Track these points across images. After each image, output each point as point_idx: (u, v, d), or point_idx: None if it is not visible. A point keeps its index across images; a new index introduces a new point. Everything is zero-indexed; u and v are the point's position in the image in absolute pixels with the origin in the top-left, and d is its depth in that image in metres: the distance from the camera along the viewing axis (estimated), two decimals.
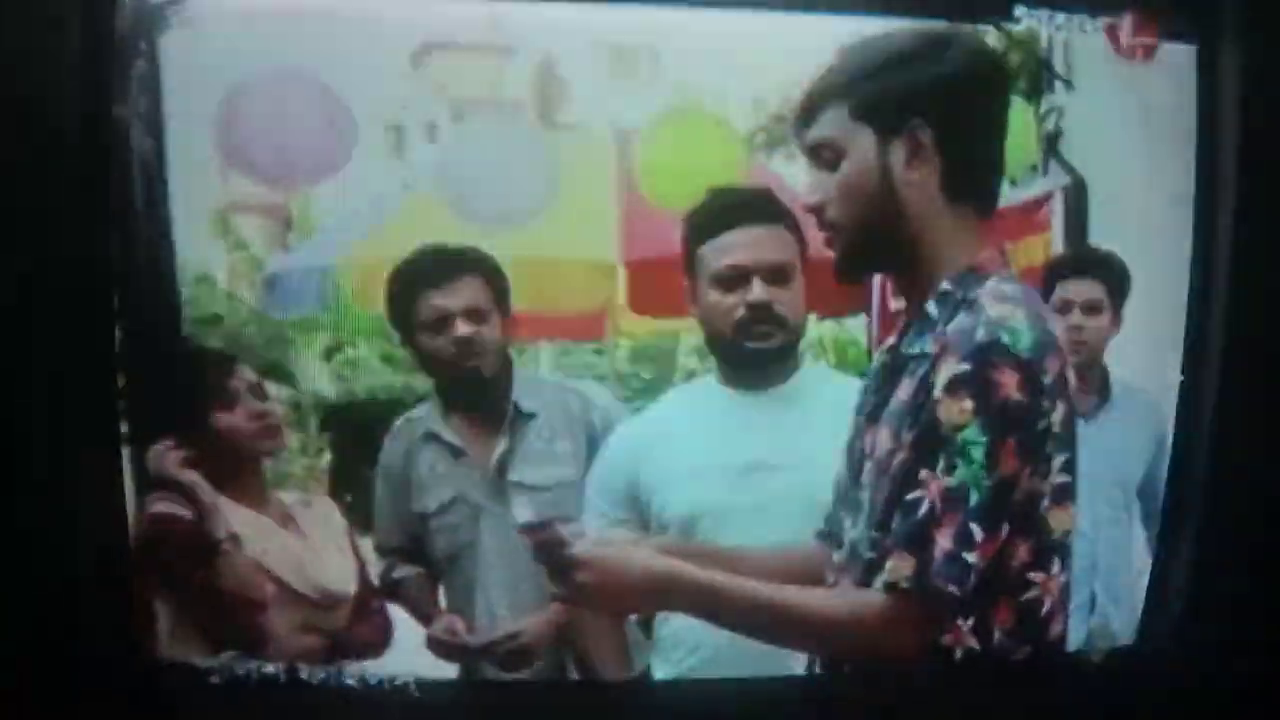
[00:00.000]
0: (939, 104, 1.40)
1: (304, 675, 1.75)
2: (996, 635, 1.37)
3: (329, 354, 2.43)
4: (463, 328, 1.91)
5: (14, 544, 1.62)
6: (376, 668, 1.77)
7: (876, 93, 1.41)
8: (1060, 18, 1.76)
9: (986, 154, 1.44)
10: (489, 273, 1.93)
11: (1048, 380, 1.32)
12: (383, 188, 2.03)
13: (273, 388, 2.02)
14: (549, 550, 1.39)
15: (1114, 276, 2.00)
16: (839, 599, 1.40)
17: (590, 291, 2.40)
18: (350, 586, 1.91)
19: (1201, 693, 1.80)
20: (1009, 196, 2.27)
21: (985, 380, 1.30)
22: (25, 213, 1.61)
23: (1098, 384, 2.08)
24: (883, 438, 1.41)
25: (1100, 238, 2.08)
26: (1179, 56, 1.79)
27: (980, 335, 1.32)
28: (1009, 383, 1.30)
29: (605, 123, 2.13)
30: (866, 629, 1.34)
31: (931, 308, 1.40)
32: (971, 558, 1.30)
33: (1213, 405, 1.80)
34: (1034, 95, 1.99)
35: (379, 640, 1.93)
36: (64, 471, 1.64)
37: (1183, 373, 1.81)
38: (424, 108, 2.01)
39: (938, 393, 1.32)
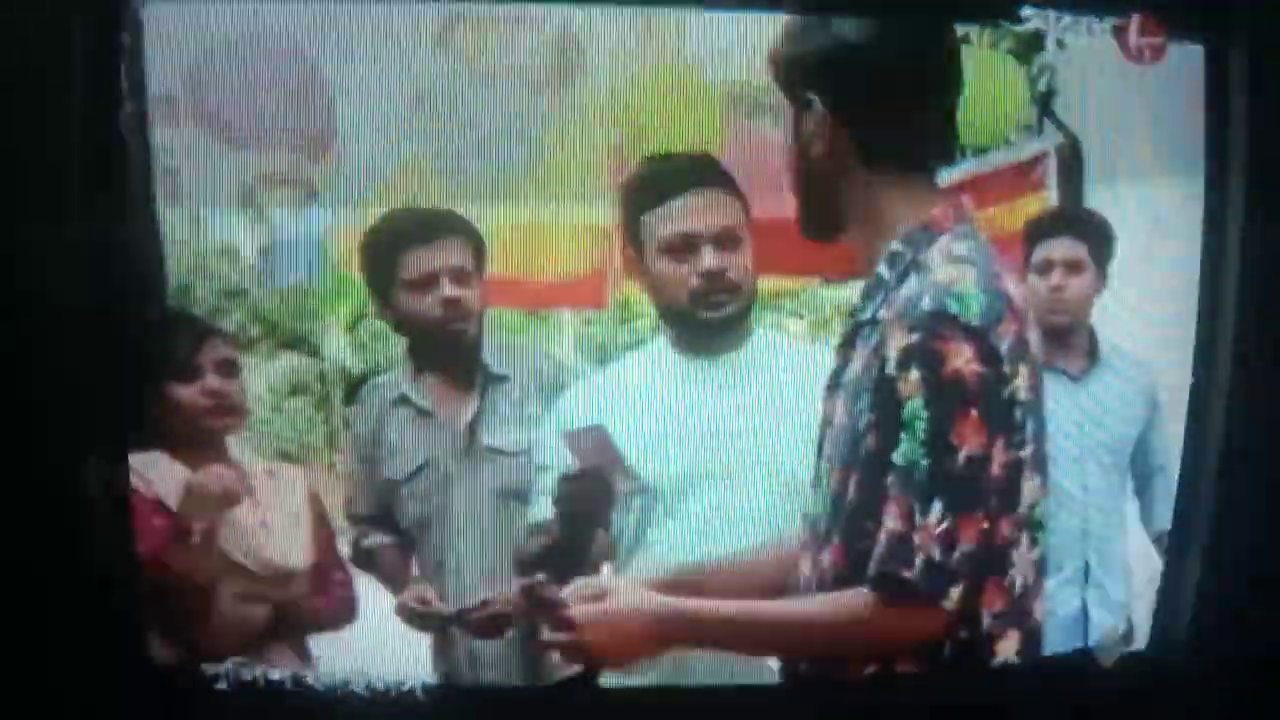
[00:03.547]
0: (828, 75, 1.39)
1: (310, 680, 1.75)
2: (986, 620, 1.32)
3: (352, 324, 2.44)
4: (450, 288, 1.90)
5: (17, 545, 1.62)
6: (383, 673, 1.75)
7: (786, 63, 1.43)
8: (1067, 18, 1.73)
9: (905, 123, 1.40)
10: (469, 234, 1.92)
11: (1004, 346, 1.27)
12: (374, 154, 2.02)
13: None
14: (546, 615, 1.40)
15: (1095, 235, 1.97)
16: (832, 602, 1.35)
17: (584, 255, 2.38)
18: (302, 560, 1.89)
19: (1216, 697, 1.78)
20: (1004, 156, 2.26)
21: (932, 352, 1.26)
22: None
23: (1085, 345, 2.05)
24: (839, 409, 1.39)
25: (1097, 200, 2.04)
26: (1187, 57, 1.76)
27: (927, 304, 1.28)
28: (960, 354, 1.26)
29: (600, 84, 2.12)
30: (857, 625, 1.31)
31: (883, 269, 1.37)
32: (917, 539, 1.26)
33: (1223, 407, 1.77)
34: (1025, 54, 1.95)
35: (343, 612, 1.92)
36: (67, 472, 1.65)
37: (1193, 375, 1.79)
38: (414, 74, 2.00)
39: (891, 367, 1.28)
